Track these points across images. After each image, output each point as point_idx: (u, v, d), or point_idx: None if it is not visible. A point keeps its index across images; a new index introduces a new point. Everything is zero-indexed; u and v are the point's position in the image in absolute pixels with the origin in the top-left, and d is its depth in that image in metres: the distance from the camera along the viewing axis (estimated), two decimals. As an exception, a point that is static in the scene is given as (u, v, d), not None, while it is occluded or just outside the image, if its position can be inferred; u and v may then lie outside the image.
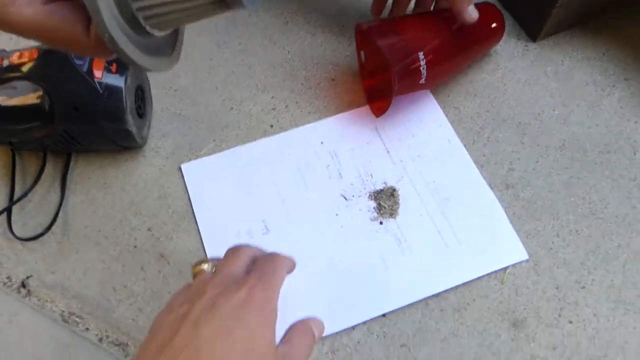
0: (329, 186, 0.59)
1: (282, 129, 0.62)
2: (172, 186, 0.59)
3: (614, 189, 0.57)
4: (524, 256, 0.54)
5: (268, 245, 0.52)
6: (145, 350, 0.35)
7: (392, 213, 0.56)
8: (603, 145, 0.60)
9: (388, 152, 0.60)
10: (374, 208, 0.57)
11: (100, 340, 0.52)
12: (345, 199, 0.58)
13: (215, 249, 0.55)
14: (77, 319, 0.53)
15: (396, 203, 0.57)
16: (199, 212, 0.57)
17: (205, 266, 0.40)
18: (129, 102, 0.56)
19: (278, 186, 0.59)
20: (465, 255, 0.54)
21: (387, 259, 0.54)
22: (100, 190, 0.60)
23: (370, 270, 0.54)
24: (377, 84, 0.64)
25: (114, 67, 0.55)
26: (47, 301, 0.54)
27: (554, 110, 0.63)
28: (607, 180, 0.58)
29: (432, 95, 0.63)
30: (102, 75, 0.54)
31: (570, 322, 0.50)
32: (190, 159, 0.61)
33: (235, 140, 0.61)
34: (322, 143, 0.61)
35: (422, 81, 0.57)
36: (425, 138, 0.61)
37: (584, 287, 0.52)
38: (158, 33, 0.33)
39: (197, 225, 0.57)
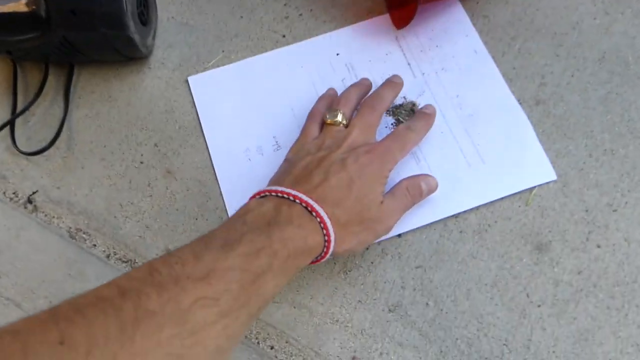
0: None
1: (295, 39, 0.57)
2: (179, 100, 0.56)
3: (657, 107, 0.52)
4: (552, 176, 0.49)
5: (278, 162, 0.49)
6: (282, 179, 0.44)
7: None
8: (648, 57, 0.54)
9: (409, 64, 0.55)
10: (392, 124, 0.53)
11: (108, 256, 0.51)
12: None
13: (224, 165, 0.52)
14: (84, 236, 0.52)
15: None
16: (207, 127, 0.54)
17: (339, 118, 0.47)
18: (129, 5, 0.51)
19: (290, 100, 0.54)
20: (489, 174, 0.50)
21: (404, 177, 0.51)
22: (104, 104, 0.56)
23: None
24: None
25: (111, -33, 0.50)
26: (54, 217, 0.52)
27: (594, 18, 0.56)
28: (650, 96, 0.52)
29: (459, 2, 0.57)
30: (99, -23, 0.49)
31: (599, 247, 0.47)
32: (197, 71, 0.56)
33: (245, 52, 0.57)
34: (338, 54, 0.56)
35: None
36: (450, 49, 0.55)
37: (615, 210, 0.48)
38: None
39: (205, 141, 0.54)
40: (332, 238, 0.41)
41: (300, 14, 0.58)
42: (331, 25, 0.57)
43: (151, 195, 0.52)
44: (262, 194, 0.42)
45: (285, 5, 0.58)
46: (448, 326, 0.45)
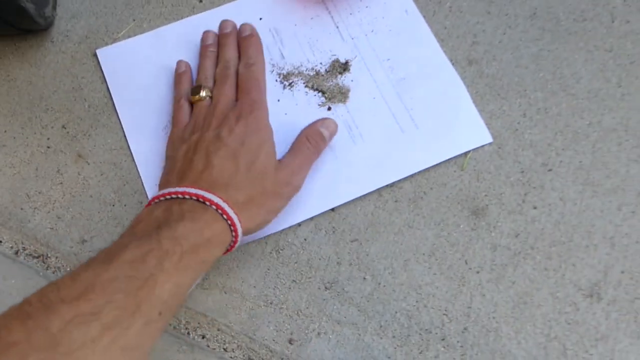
0: (268, 69, 0.49)
1: (214, 4, 0.51)
2: (87, 76, 0.50)
3: (588, 62, 0.50)
4: (488, 139, 0.47)
5: None
6: (168, 177, 0.41)
7: (342, 97, 0.49)
8: (579, 12, 0.51)
9: (337, 27, 0.51)
10: (321, 92, 0.49)
11: (17, 253, 0.45)
12: (289, 83, 0.49)
13: (140, 145, 0.47)
14: (-13, 231, 0.46)
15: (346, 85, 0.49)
16: (119, 104, 0.48)
17: (203, 93, 0.45)
18: (16, -29, 0.44)
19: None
20: (423, 140, 0.47)
21: (336, 148, 0.47)
22: (2, 85, 0.49)
23: (317, 161, 0.46)
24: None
25: None
26: (-50, 212, 0.46)
27: (524, -27, 0.54)
28: (581, 52, 0.50)
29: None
30: None
31: (535, 208, 0.45)
32: (107, 43, 0.50)
33: (158, 19, 0.51)
34: (260, 19, 0.51)
35: None
36: (380, 10, 0.51)
37: (550, 170, 0.46)
38: None
39: (119, 119, 0.48)
40: (236, 220, 0.37)
41: (217, -23, 0.53)
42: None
43: (61, 183, 0.47)
44: (151, 202, 0.38)
45: (200, -33, 0.53)
46: (387, 300, 0.43)
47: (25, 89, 0.49)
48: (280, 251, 0.44)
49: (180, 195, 0.37)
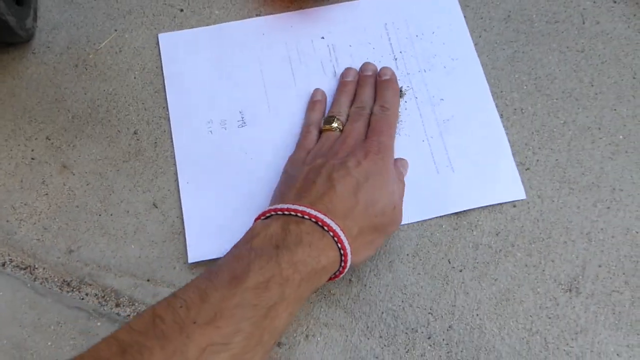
0: (319, 83, 0.48)
1: (194, 13, 0.49)
2: (70, 86, 0.47)
3: (561, 62, 0.49)
4: (522, 195, 0.44)
5: (243, 137, 0.45)
6: (285, 195, 0.39)
7: None
8: (551, 14, 0.50)
9: (394, 57, 0.48)
10: None
11: (3, 265, 0.43)
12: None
13: (182, 135, 0.46)
14: (-27, 244, 0.44)
15: None
16: (171, 92, 0.47)
17: (335, 124, 0.43)
18: (-4, -17, 0.42)
19: (263, 75, 0.48)
20: (457, 185, 0.44)
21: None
22: (-15, 97, 0.48)
23: None
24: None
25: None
26: None
27: (498, -22, 0.52)
28: (554, 53, 0.49)
29: None
30: (-50, -53, 0.40)
31: (514, 206, 0.44)
32: (88, 54, 0.48)
33: (140, 29, 0.49)
34: (323, 38, 0.49)
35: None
36: (438, 46, 0.49)
37: (528, 169, 0.45)
38: None
39: (103, 129, 0.46)
40: (349, 251, 0.35)
41: (199, -14, 0.51)
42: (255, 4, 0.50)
43: (47, 194, 0.44)
44: (268, 214, 0.36)
45: (181, -24, 0.51)
46: (373, 300, 0.41)
47: (8, 101, 0.47)
48: (267, 256, 0.43)
49: (299, 214, 0.35)
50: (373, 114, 0.44)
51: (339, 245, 0.35)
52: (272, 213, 0.36)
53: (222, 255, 0.41)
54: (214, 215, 0.43)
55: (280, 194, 0.40)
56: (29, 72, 0.48)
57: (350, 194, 0.37)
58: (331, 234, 0.35)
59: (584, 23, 0.50)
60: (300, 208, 0.35)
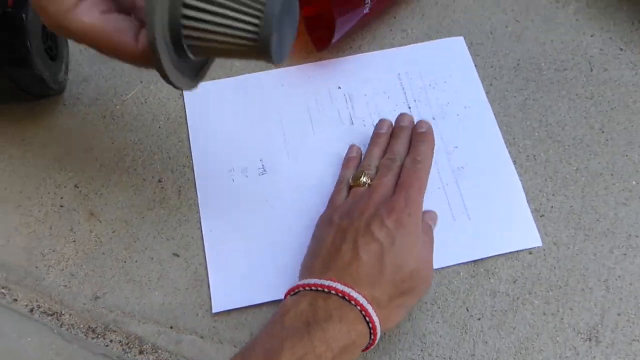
0: (336, 132, 0.48)
1: (217, 65, 0.51)
2: (98, 136, 0.48)
3: (571, 109, 0.49)
4: (537, 242, 0.43)
5: (264, 185, 0.45)
6: (314, 262, 0.38)
7: None
8: (559, 62, 0.51)
9: (409, 106, 0.49)
10: None
11: (31, 311, 0.43)
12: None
13: (206, 182, 0.46)
14: (3, 291, 0.44)
15: None
16: (195, 143, 0.48)
17: (363, 179, 0.42)
18: (34, 41, 0.43)
19: (283, 124, 0.49)
20: (473, 232, 0.44)
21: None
22: (18, 148, 0.48)
23: None
24: (318, 12, 0.53)
25: (10, 1, 0.42)
26: (-33, 274, 0.45)
27: (506, 27, 0.53)
28: (564, 100, 0.50)
29: (463, 41, 0.52)
30: (-6, 11, 0.42)
31: (530, 253, 0.43)
32: (116, 105, 0.49)
33: (161, 81, 0.50)
34: (339, 88, 0.50)
35: (366, 7, 0.47)
36: (451, 95, 0.49)
37: (542, 215, 0.45)
38: (192, 57, 0.33)
39: (129, 177, 0.47)
40: (377, 323, 0.35)
41: (221, 39, 0.52)
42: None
43: (74, 241, 0.45)
44: (296, 290, 0.36)
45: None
46: (392, 349, 0.41)
47: (40, 151, 0.48)
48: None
49: (326, 290, 0.35)
50: (404, 166, 0.42)
51: (367, 318, 0.35)
52: (300, 289, 0.36)
53: (245, 305, 0.42)
54: (238, 263, 0.44)
55: (307, 264, 0.39)
56: (60, 123, 0.49)
57: (375, 261, 0.36)
58: (358, 308, 0.34)
59: (591, 70, 0.51)
60: (327, 283, 0.35)
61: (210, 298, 0.42)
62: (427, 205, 0.44)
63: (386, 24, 0.53)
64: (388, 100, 0.50)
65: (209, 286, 0.43)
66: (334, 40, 0.47)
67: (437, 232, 0.43)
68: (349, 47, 0.52)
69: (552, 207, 0.45)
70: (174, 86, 0.33)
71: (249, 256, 0.44)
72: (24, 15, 0.42)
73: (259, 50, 0.31)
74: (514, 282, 0.42)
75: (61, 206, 0.46)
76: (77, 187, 0.47)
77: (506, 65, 0.51)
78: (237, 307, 0.42)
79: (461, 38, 0.52)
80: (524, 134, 0.48)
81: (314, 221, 0.44)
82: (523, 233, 0.44)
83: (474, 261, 0.43)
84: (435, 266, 0.42)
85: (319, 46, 0.51)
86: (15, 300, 0.44)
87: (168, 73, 0.31)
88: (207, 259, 0.44)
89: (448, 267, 0.43)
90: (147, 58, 0.31)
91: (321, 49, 0.51)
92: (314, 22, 0.52)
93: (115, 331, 0.42)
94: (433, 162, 0.46)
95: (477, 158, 0.47)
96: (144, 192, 0.47)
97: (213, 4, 0.30)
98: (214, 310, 0.42)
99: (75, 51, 0.51)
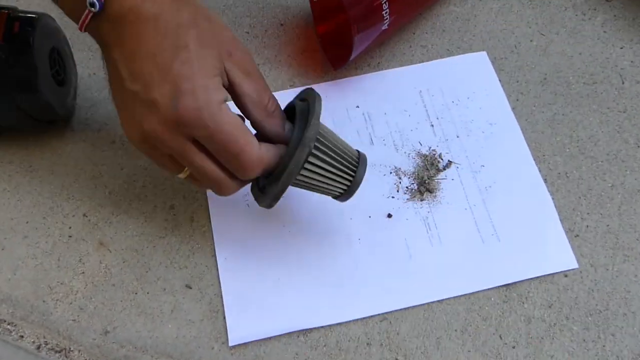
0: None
1: (229, 87, 0.54)
2: (107, 163, 0.51)
3: (603, 124, 0.51)
4: (573, 264, 0.45)
5: (279, 209, 0.47)
6: None
7: (429, 191, 0.49)
8: (588, 75, 0.54)
9: (431, 123, 0.52)
10: (410, 186, 0.49)
11: (38, 348, 0.45)
12: (373, 166, 0.50)
13: (220, 206, 0.48)
14: (9, 327, 0.46)
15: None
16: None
17: None
18: (41, 66, 0.47)
19: None
20: (503, 255, 0.46)
21: (411, 246, 0.46)
22: (25, 175, 0.51)
23: (390, 257, 0.46)
24: (334, 29, 0.56)
25: (16, 26, 0.46)
26: (-29, 309, 0.47)
27: (531, 40, 0.56)
28: (595, 114, 0.52)
29: (486, 56, 0.55)
30: (3, 36, 0.45)
31: (566, 276, 0.45)
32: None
33: (176, 104, 0.54)
34: (357, 107, 0.53)
35: (385, 23, 0.50)
36: (476, 112, 0.52)
37: (577, 236, 0.46)
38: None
39: (139, 204, 0.49)
40: None
41: (233, 60, 0.55)
42: (265, 67, 0.55)
43: (83, 272, 0.47)
44: None
45: (215, 51, 0.56)
46: (421, 381, 0.42)
47: (47, 178, 0.51)
48: (308, 334, 0.44)
49: None
50: None
51: None
52: None
53: (263, 337, 0.44)
54: (255, 293, 0.45)
55: None
56: (68, 149, 0.52)
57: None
58: None
59: (623, 83, 0.53)
60: None
61: (226, 330, 0.44)
62: (454, 227, 0.47)
63: (405, 40, 0.56)
64: (409, 118, 0.52)
65: (224, 317, 0.45)
66: (351, 58, 0.50)
67: (465, 256, 0.45)
68: (367, 65, 0.55)
69: (587, 226, 0.46)
70: (260, 203, 0.42)
71: (266, 285, 0.46)
72: (30, 40, 0.46)
73: (339, 199, 0.43)
74: (550, 307, 0.44)
75: (69, 236, 0.49)
76: (86, 216, 0.49)
77: (532, 80, 0.54)
78: (254, 339, 0.44)
79: (484, 53, 0.55)
80: (554, 151, 0.50)
81: (334, 246, 0.46)
82: (557, 255, 0.46)
83: (506, 285, 0.44)
84: (464, 291, 0.44)
85: (336, 64, 0.54)
86: (22, 337, 0.45)
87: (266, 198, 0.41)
88: (222, 289, 0.46)
89: (478, 292, 0.44)
90: (258, 165, 0.38)
91: (338, 67, 0.53)
92: (330, 39, 0.55)
93: (126, 367, 0.44)
94: (459, 181, 0.48)
95: (505, 177, 0.49)
96: (155, 220, 0.49)
97: (325, 168, 0.39)
98: (230, 344, 0.43)
99: (84, 76, 0.55)
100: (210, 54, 0.37)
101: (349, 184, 0.41)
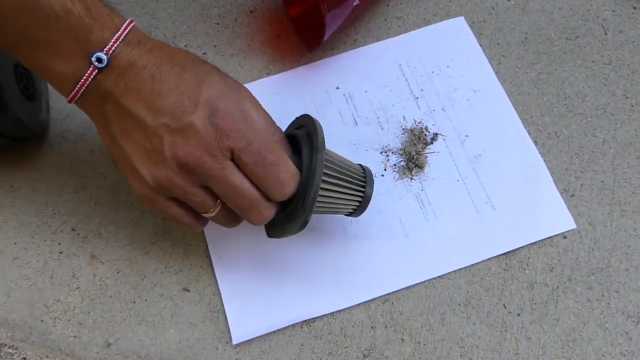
0: (340, 134, 0.50)
1: (205, 82, 0.53)
2: (90, 174, 0.50)
3: (589, 78, 0.51)
4: (571, 225, 0.45)
5: None
6: None
7: (418, 166, 0.48)
8: (570, 30, 0.53)
9: (415, 96, 0.51)
10: (398, 163, 0.49)
11: (42, 367, 0.45)
12: (359, 147, 0.50)
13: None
14: (10, 350, 0.46)
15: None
16: None
17: None
18: (6, 83, 0.45)
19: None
20: (500, 223, 0.45)
21: (406, 225, 0.46)
22: (6, 196, 0.50)
23: (387, 238, 0.46)
24: (305, 11, 0.55)
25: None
26: (-30, 336, 0.47)
27: (509, 0, 0.55)
28: (580, 69, 0.51)
29: (464, 21, 0.54)
30: (-39, 58, 0.44)
31: (565, 238, 0.45)
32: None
33: (152, 106, 0.53)
34: (337, 88, 0.52)
35: None
36: (458, 79, 0.51)
37: (573, 195, 0.46)
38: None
39: (127, 212, 0.49)
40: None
41: (205, 53, 0.54)
42: (239, 57, 0.54)
43: (79, 287, 0.47)
44: None
45: (185, 46, 0.55)
46: (429, 358, 0.42)
47: (29, 196, 0.50)
48: (311, 324, 0.44)
49: None
50: None
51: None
52: None
53: (266, 332, 0.44)
54: (253, 288, 0.45)
55: None
56: (48, 164, 0.51)
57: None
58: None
59: (606, 34, 0.52)
60: None
61: (229, 329, 0.44)
62: (447, 200, 0.46)
63: (380, 14, 0.55)
64: (391, 93, 0.52)
65: (225, 316, 0.45)
66: (325, 38, 0.49)
67: (462, 228, 0.45)
68: (343, 43, 0.54)
69: (582, 185, 0.46)
70: (284, 235, 0.41)
71: (263, 280, 0.46)
72: (-8, 59, 0.45)
73: (352, 215, 0.43)
74: (551, 270, 0.43)
75: (60, 252, 0.48)
76: (74, 230, 0.49)
77: (513, 40, 0.53)
78: (257, 335, 0.44)
79: (462, 18, 0.54)
80: (541, 111, 0.49)
81: (329, 233, 0.46)
82: (554, 217, 0.45)
83: (505, 254, 0.44)
84: (464, 264, 0.44)
85: (311, 46, 0.52)
86: (24, 359, 0.45)
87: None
88: (220, 288, 0.46)
89: (478, 263, 0.44)
90: (293, 179, 0.38)
91: (313, 49, 0.52)
92: (302, 22, 0.54)
93: (133, 377, 0.44)
94: (447, 153, 0.48)
95: (494, 143, 0.49)
96: (145, 226, 0.49)
97: (338, 190, 0.40)
98: (234, 342, 0.43)
99: (54, 87, 0.54)
100: (231, 79, 0.39)
101: (360, 199, 0.42)
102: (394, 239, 0.46)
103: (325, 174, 0.38)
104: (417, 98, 0.51)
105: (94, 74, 0.35)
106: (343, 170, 0.40)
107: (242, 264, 0.46)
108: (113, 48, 0.35)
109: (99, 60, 0.35)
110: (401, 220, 0.46)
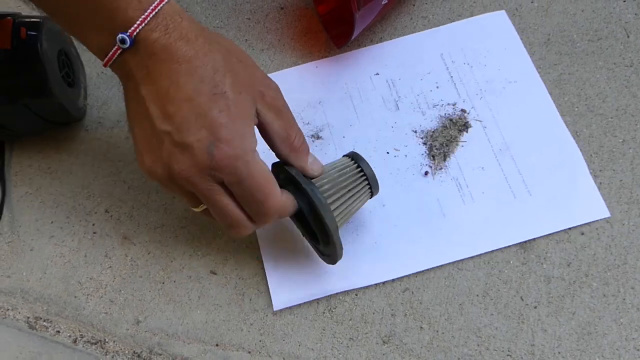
0: (382, 118, 0.51)
1: (235, 74, 0.54)
2: (124, 158, 0.52)
3: (610, 80, 0.50)
4: (605, 213, 0.45)
5: None
6: None
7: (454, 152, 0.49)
8: (592, 32, 0.53)
9: (454, 84, 0.52)
10: (433, 147, 0.49)
11: (75, 341, 0.46)
12: (401, 131, 0.50)
13: None
14: (45, 324, 0.47)
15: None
16: None
17: None
18: (50, 70, 0.47)
19: (327, 115, 0.52)
20: (536, 208, 0.46)
21: (444, 205, 0.47)
22: (45, 178, 0.52)
23: (424, 217, 0.47)
24: (335, 8, 0.55)
25: (22, 32, 0.46)
26: (8, 309, 0.47)
27: (532, 2, 0.55)
28: (602, 70, 0.51)
29: (505, 14, 0.54)
30: (11, 43, 0.45)
31: (582, 234, 0.45)
32: (138, 125, 0.53)
33: (184, 96, 0.53)
34: (377, 74, 0.53)
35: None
36: (497, 69, 0.52)
37: (592, 193, 0.46)
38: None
39: (158, 196, 0.50)
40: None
41: (236, 47, 0.55)
42: (269, 52, 0.54)
43: (110, 267, 0.48)
44: None
45: (218, 40, 0.55)
46: (447, 347, 0.43)
47: (66, 179, 0.51)
48: (333, 310, 0.45)
49: None
50: None
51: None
52: None
53: (304, 301, 0.45)
54: (293, 259, 0.46)
55: None
56: (84, 148, 0.52)
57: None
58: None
59: (628, 37, 0.52)
60: None
61: (253, 311, 0.45)
62: (485, 185, 0.47)
63: (405, 13, 0.55)
64: (432, 81, 0.52)
65: (250, 300, 0.45)
66: (354, 35, 0.49)
67: (499, 211, 0.46)
68: (370, 41, 0.54)
69: (600, 183, 0.46)
70: (337, 259, 0.43)
71: (302, 251, 0.47)
72: (38, 44, 0.46)
73: (373, 195, 0.44)
74: (568, 265, 0.44)
75: (94, 233, 0.49)
76: (108, 212, 0.50)
77: (536, 41, 0.53)
78: (296, 304, 0.45)
79: (503, 12, 0.54)
80: (562, 111, 0.49)
81: (366, 212, 0.47)
82: (589, 205, 0.46)
83: (524, 248, 0.44)
84: (502, 244, 0.45)
85: (339, 43, 0.53)
86: (59, 332, 0.47)
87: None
88: (262, 258, 0.47)
89: (497, 256, 0.44)
90: (278, 213, 0.39)
91: (341, 45, 0.53)
92: (331, 18, 0.54)
93: (160, 354, 0.45)
94: (486, 140, 0.49)
95: (532, 131, 0.49)
96: (175, 211, 0.49)
97: (342, 192, 0.41)
98: (274, 309, 0.45)
99: (93, 75, 0.55)
100: (245, 99, 0.36)
101: (367, 182, 0.42)
102: (432, 218, 0.46)
103: (326, 197, 0.39)
104: (457, 86, 0.52)
105: (118, 52, 0.35)
106: (335, 178, 0.41)
107: (281, 237, 0.47)
108: (137, 30, 0.34)
109: (122, 41, 0.34)
110: (439, 200, 0.47)
